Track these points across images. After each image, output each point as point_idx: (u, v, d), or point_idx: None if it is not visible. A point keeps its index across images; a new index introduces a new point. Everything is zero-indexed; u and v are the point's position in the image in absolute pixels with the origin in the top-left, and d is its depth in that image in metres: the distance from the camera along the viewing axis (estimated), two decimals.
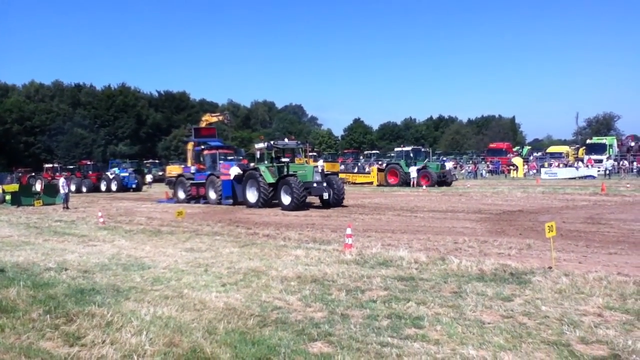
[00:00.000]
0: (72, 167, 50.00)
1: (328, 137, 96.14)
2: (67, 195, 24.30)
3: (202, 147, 27.16)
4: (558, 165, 46.70)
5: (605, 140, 52.74)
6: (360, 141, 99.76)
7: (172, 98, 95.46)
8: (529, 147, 73.52)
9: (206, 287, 7.16)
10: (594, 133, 72.46)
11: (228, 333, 5.16)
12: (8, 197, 27.97)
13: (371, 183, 38.50)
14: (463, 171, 54.02)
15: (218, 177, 23.52)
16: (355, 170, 51.43)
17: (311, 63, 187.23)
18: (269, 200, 20.41)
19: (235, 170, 22.61)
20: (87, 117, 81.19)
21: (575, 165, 46.21)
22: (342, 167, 51.96)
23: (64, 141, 74.04)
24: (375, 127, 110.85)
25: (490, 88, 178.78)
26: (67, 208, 23.32)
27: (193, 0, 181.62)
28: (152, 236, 12.95)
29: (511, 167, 48.94)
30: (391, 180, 36.46)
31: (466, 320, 5.39)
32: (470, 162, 58.08)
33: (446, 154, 74.62)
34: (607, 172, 42.24)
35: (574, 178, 40.72)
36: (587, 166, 43.90)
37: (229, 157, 25.81)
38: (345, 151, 76.59)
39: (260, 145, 22.08)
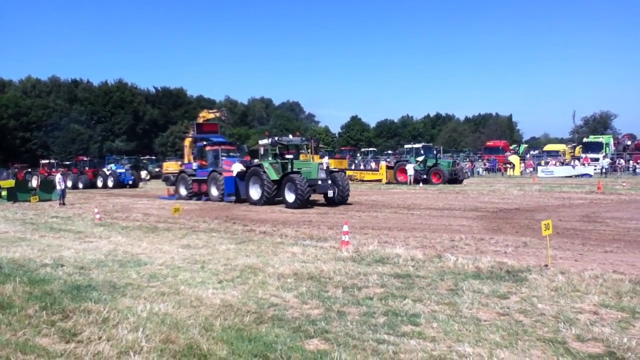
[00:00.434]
0: (68, 163, 49.82)
1: (325, 134, 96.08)
2: (63, 191, 24.22)
3: (204, 143, 26.78)
4: (555, 164, 46.86)
5: (602, 138, 52.92)
6: (357, 138, 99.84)
7: (169, 94, 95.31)
8: (526, 145, 73.70)
9: (203, 284, 7.16)
10: (591, 131, 72.72)
11: (224, 330, 5.16)
12: (4, 193, 27.85)
13: (380, 180, 37.84)
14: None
15: (220, 174, 23.23)
16: (362, 168, 51.22)
17: (309, 60, 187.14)
18: (272, 197, 20.11)
19: (237, 167, 22.24)
20: (84, 113, 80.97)
21: (572, 163, 46.35)
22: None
23: (60, 137, 73.89)
24: (373, 124, 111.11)
25: (487, 86, 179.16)
26: (64, 204, 23.26)
27: None
28: (148, 233, 12.92)
29: (508, 165, 49.08)
30: (401, 177, 35.74)
31: (462, 318, 5.40)
32: (467, 160, 58.16)
33: (443, 152, 74.66)
34: (604, 170, 42.38)
35: (571, 176, 40.88)
36: (584, 164, 44.05)
37: (231, 154, 25.54)
38: (343, 148, 76.56)
39: (264, 141, 21.63)
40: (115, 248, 10.52)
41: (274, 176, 20.08)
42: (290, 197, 19.14)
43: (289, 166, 20.32)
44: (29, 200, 26.16)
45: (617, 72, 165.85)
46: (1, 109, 71.86)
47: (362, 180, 39.32)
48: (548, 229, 7.89)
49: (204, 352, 4.57)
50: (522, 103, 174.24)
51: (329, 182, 19.68)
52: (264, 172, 20.25)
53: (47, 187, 28.80)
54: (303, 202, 18.69)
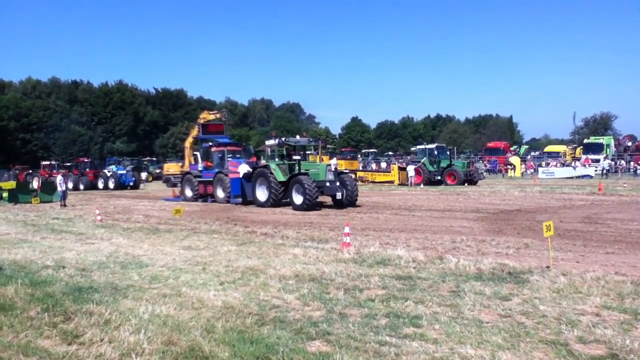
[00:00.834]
0: (69, 164, 49.83)
1: (326, 135, 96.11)
2: (64, 193, 24.23)
3: (210, 144, 26.39)
4: (555, 165, 46.82)
5: (603, 140, 52.86)
6: (358, 139, 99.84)
7: (169, 95, 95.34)
8: (527, 147, 73.59)
9: (204, 286, 7.16)
10: (592, 133, 72.68)
11: (226, 332, 5.16)
12: (5, 195, 27.85)
13: (392, 182, 36.92)
14: None
15: (226, 175, 22.97)
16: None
17: (309, 61, 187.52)
18: (279, 199, 19.80)
19: (244, 168, 21.92)
20: (84, 114, 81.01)
21: (573, 164, 46.31)
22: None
23: (61, 138, 73.93)
24: (373, 125, 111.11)
25: (488, 87, 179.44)
26: (65, 206, 23.27)
27: None
28: (149, 234, 12.93)
29: (509, 167, 49.01)
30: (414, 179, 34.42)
31: (464, 320, 5.39)
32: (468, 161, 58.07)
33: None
34: (604, 171, 42.34)
35: (571, 177, 40.81)
36: (585, 166, 43.99)
37: (237, 155, 25.23)
38: (343, 150, 76.57)
39: (271, 142, 21.30)
40: (116, 250, 10.52)
41: (281, 177, 19.76)
42: (298, 199, 18.81)
43: (297, 167, 20.03)
44: (30, 202, 26.17)
45: (617, 73, 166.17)
46: (1, 110, 71.87)
47: (374, 182, 38.37)
48: (549, 230, 7.89)
49: (206, 354, 4.57)
50: (522, 104, 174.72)
51: (337, 183, 19.27)
52: (271, 173, 19.93)
53: (48, 188, 28.80)
54: (311, 204, 18.32)
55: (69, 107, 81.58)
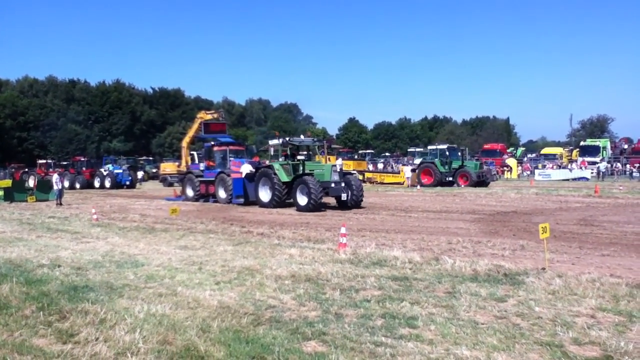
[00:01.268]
0: (65, 163, 49.71)
1: (323, 135, 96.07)
2: (60, 192, 24.17)
3: (212, 143, 26.06)
4: (552, 167, 46.98)
5: (599, 142, 53.10)
6: (355, 140, 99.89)
7: (166, 95, 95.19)
8: (523, 149, 73.91)
9: (200, 285, 7.15)
10: (588, 135, 72.97)
11: (222, 331, 5.15)
12: (1, 193, 27.76)
13: (401, 183, 36.37)
14: None
15: (228, 175, 22.66)
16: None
17: (306, 62, 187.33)
18: (283, 200, 19.45)
19: (246, 168, 21.51)
20: (81, 113, 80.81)
21: (569, 167, 46.47)
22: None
23: (57, 137, 73.76)
24: (370, 126, 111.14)
25: (485, 89, 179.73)
26: (61, 204, 23.20)
27: None
28: (146, 233, 12.90)
29: (505, 168, 49.13)
30: (425, 180, 33.88)
31: (460, 321, 5.40)
32: None
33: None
34: (601, 174, 42.47)
35: (568, 180, 40.92)
36: (581, 168, 44.15)
37: (240, 155, 24.96)
38: (341, 150, 76.61)
39: (275, 141, 20.89)
40: (112, 249, 10.49)
41: (285, 178, 19.40)
42: (302, 200, 18.45)
43: (301, 168, 19.72)
44: (26, 200, 26.09)
45: (614, 75, 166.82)
46: None
47: (382, 183, 37.86)
48: (545, 232, 7.91)
49: (201, 354, 4.57)
50: (519, 106, 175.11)
51: (343, 184, 18.96)
52: (275, 173, 19.53)
53: (44, 187, 28.71)
54: (316, 206, 17.98)
55: (66, 106, 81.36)
